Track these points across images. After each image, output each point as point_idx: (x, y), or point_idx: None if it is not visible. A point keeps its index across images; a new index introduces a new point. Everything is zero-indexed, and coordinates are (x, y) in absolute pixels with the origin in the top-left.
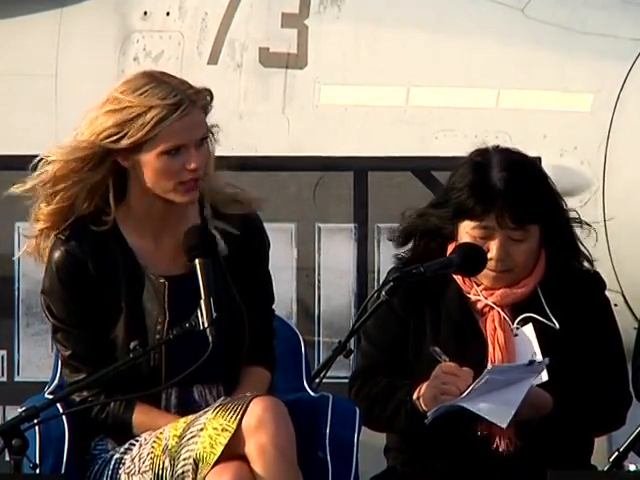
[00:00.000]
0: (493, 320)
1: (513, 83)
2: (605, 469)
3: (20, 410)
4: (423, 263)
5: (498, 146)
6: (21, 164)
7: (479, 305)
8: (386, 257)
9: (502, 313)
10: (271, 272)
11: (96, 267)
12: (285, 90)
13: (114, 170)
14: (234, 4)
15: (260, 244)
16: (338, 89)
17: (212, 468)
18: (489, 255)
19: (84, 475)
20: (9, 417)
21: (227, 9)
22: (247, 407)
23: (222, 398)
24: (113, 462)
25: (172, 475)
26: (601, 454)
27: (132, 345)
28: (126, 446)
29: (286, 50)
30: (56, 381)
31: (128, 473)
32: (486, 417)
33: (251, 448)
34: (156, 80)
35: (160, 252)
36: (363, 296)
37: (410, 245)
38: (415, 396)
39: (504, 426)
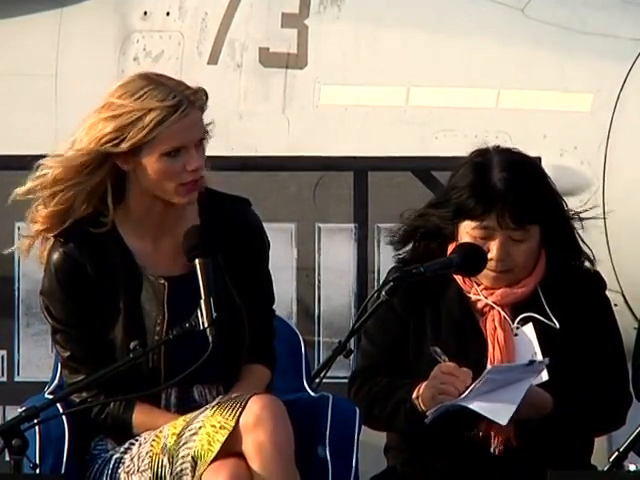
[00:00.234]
0: (493, 320)
1: (513, 83)
2: (605, 469)
3: (20, 410)
4: (423, 263)
5: (498, 146)
6: (21, 164)
7: (479, 305)
8: (386, 257)
9: (502, 313)
10: (271, 272)
11: (95, 268)
12: (285, 90)
13: (113, 172)
14: (234, 4)
15: (259, 244)
16: (338, 89)
17: (209, 465)
18: (489, 255)
19: (84, 475)
20: (9, 417)
21: (227, 9)
22: (245, 405)
23: (221, 396)
24: (113, 462)
25: (171, 473)
26: (601, 454)
27: (132, 345)
28: (126, 446)
29: (286, 50)
30: (56, 381)
31: (127, 472)
32: (486, 415)
33: (249, 446)
34: (153, 82)
35: (159, 253)
36: (363, 296)
37: (410, 245)
38: (414, 396)
39: (504, 423)
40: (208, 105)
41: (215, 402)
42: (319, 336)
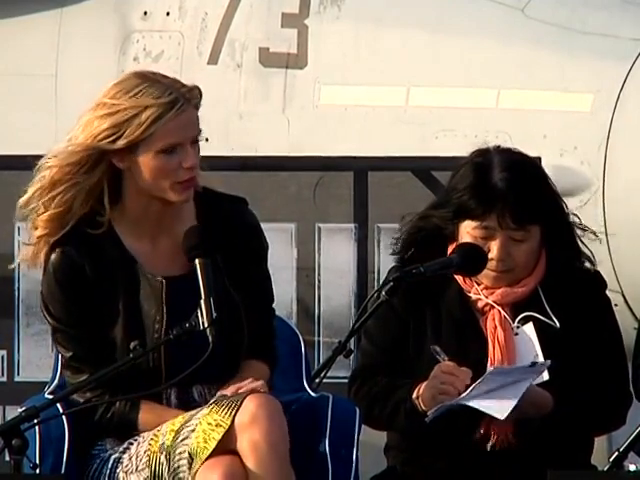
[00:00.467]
0: (493, 319)
1: (513, 83)
2: (605, 469)
3: (20, 410)
4: (423, 263)
5: (499, 146)
6: (21, 164)
7: (480, 304)
8: (386, 257)
9: (502, 312)
10: (271, 272)
11: (93, 269)
12: (285, 90)
13: (109, 172)
14: (234, 4)
15: (257, 243)
16: (338, 89)
17: (205, 462)
18: (490, 255)
19: (84, 475)
20: (9, 417)
21: (227, 9)
22: (241, 404)
23: (218, 394)
24: (111, 461)
25: (168, 470)
26: (601, 454)
27: (132, 345)
28: (124, 445)
29: (286, 50)
30: (56, 381)
31: (126, 472)
32: (484, 410)
33: (244, 444)
34: (149, 80)
35: (157, 253)
36: (363, 296)
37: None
38: (415, 396)
39: (502, 418)
40: (204, 104)
41: (212, 400)
42: (319, 336)
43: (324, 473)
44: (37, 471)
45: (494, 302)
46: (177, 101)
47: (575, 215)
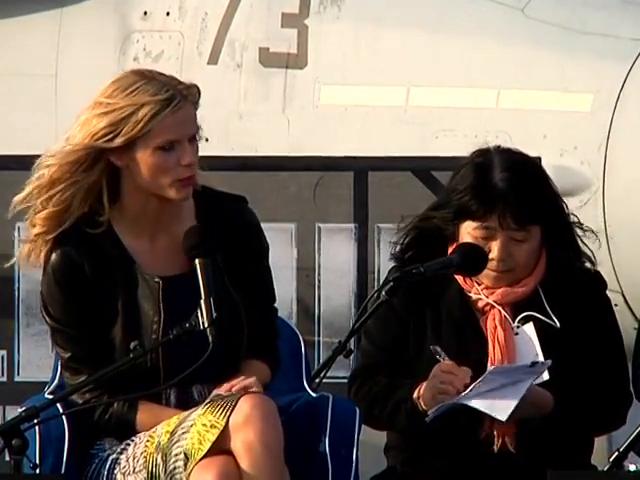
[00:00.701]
0: (494, 319)
1: (513, 83)
2: (605, 469)
3: (20, 410)
4: (423, 263)
5: (499, 146)
6: (21, 164)
7: (480, 304)
8: (386, 257)
9: (503, 312)
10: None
11: (92, 269)
12: (285, 90)
13: (108, 170)
14: (234, 4)
15: (258, 242)
16: (338, 89)
17: (199, 463)
18: (491, 255)
19: (83, 475)
20: (9, 417)
21: (227, 9)
22: (236, 404)
23: (213, 394)
24: (109, 462)
25: (165, 471)
26: (601, 454)
27: (132, 345)
28: (122, 446)
29: (286, 50)
30: (56, 381)
31: (124, 473)
32: (485, 411)
33: (238, 444)
34: (146, 77)
35: (156, 252)
36: (363, 296)
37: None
38: (415, 396)
39: (503, 419)
40: (204, 104)
41: (207, 400)
42: (319, 336)
43: (324, 473)
44: (37, 471)
45: (494, 302)
46: (174, 98)
47: (575, 215)
